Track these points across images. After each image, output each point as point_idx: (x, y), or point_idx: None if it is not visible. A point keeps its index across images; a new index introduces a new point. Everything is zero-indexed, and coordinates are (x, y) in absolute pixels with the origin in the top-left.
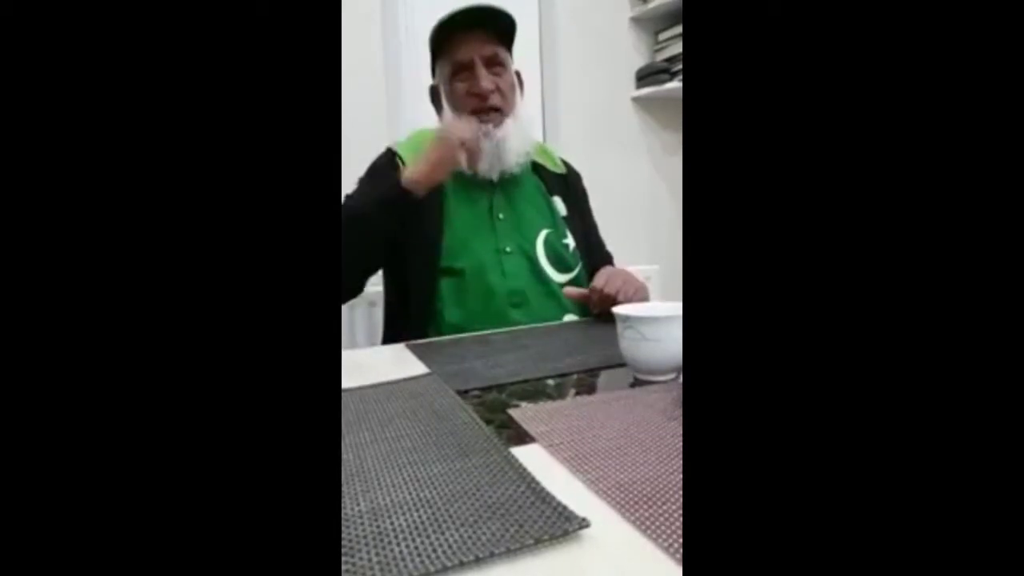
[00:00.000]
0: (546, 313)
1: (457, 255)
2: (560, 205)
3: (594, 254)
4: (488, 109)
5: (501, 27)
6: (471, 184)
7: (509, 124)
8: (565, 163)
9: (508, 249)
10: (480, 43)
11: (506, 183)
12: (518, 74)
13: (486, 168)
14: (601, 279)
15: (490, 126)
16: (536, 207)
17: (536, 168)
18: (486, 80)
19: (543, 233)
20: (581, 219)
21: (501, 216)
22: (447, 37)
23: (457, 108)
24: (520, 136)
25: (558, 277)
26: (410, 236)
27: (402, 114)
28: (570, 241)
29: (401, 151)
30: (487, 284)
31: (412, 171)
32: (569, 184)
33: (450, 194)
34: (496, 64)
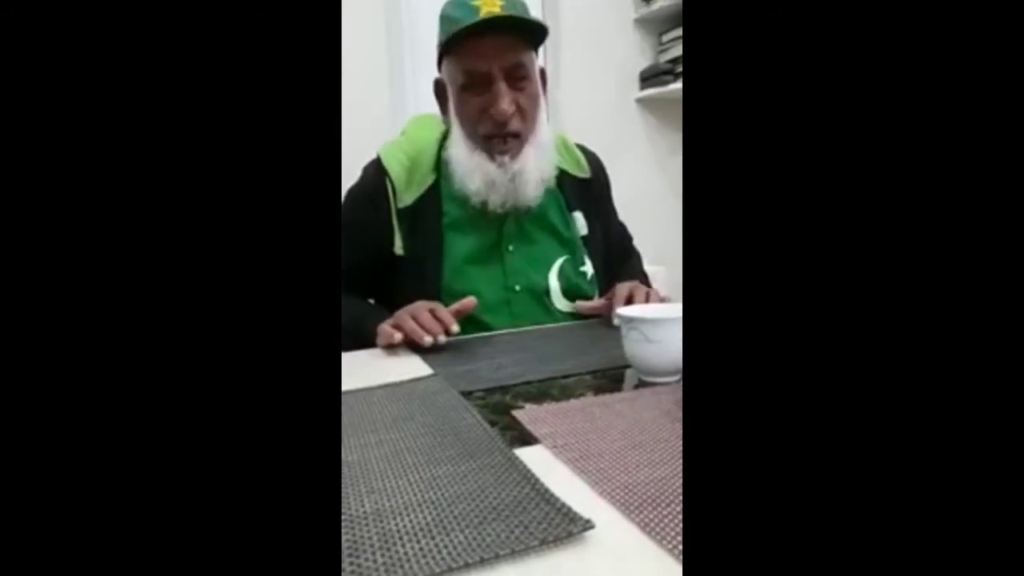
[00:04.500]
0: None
1: (459, 295)
2: (581, 222)
3: (613, 248)
4: (506, 136)
5: (531, 31)
6: (478, 212)
7: (528, 153)
8: (585, 153)
9: (518, 288)
10: (503, 50)
11: (519, 210)
12: (542, 72)
13: (498, 202)
14: (624, 291)
15: (506, 157)
16: (553, 234)
17: (558, 179)
18: (506, 101)
19: (558, 263)
20: (603, 222)
21: (511, 248)
22: (463, 38)
23: (466, 124)
24: (540, 163)
25: (568, 308)
26: (408, 279)
27: (405, 112)
28: (588, 268)
29: (389, 161)
30: (488, 325)
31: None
32: (592, 190)
33: (450, 224)
34: (520, 78)
